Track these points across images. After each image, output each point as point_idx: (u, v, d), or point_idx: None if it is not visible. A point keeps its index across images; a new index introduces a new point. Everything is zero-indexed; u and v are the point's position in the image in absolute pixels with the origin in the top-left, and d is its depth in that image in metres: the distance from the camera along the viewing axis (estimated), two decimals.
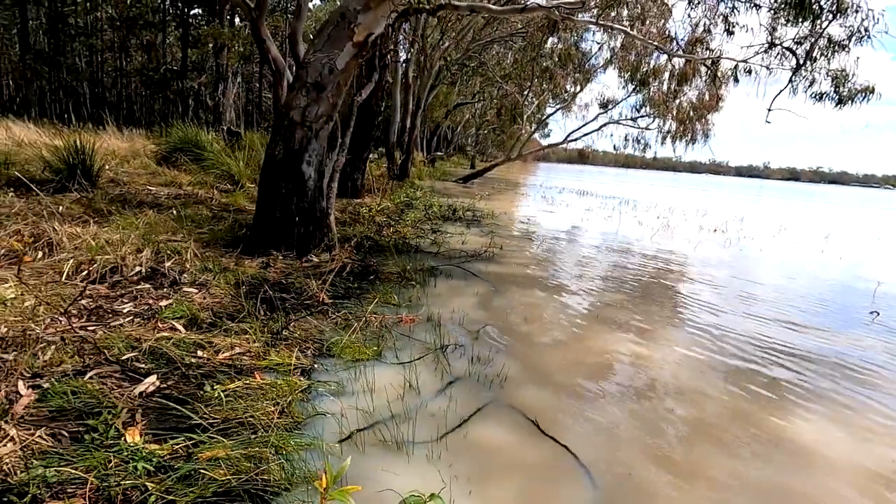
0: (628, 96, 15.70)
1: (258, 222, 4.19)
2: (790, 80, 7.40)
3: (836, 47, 7.41)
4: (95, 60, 24.70)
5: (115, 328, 2.38)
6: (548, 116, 19.61)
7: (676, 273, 5.74)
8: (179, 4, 19.78)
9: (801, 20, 6.90)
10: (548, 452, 1.92)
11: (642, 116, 15.55)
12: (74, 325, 2.29)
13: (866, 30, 7.27)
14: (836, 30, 7.33)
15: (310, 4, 25.94)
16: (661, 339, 3.37)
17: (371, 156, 21.19)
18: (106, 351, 2.08)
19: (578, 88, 17.66)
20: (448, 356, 2.69)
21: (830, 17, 6.68)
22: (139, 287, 2.96)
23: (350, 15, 3.85)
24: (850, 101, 7.57)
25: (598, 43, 16.44)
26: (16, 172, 6.10)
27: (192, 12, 20.50)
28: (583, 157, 20.11)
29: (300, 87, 3.93)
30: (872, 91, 7.46)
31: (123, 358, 2.07)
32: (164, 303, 2.74)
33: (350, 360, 2.50)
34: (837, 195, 52.95)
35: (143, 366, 2.07)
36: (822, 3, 6.30)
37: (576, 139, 16.62)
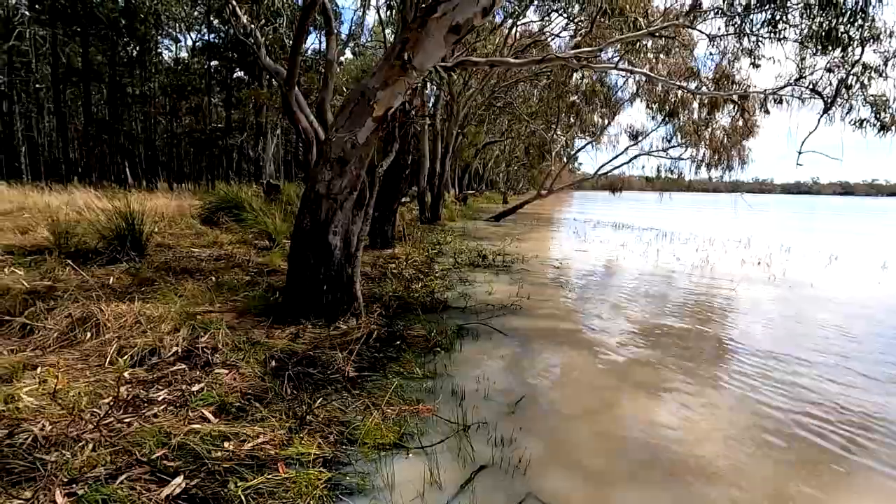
0: (658, 127, 15.54)
1: (289, 291, 4.34)
2: (819, 120, 7.18)
3: (873, 73, 7.17)
4: (149, 125, 26.80)
5: (148, 419, 2.50)
6: (577, 151, 19.63)
7: (718, 317, 5.49)
8: (222, 70, 21.41)
9: (830, 49, 6.74)
10: None
11: (673, 147, 15.30)
12: (113, 417, 2.42)
13: None
14: (870, 56, 7.13)
15: (342, 58, 27.44)
16: (700, 404, 3.21)
17: (403, 199, 21.66)
18: (137, 450, 2.17)
19: (606, 122, 17.67)
20: (471, 437, 2.65)
21: (862, 45, 6.50)
22: (174, 369, 3.10)
23: (369, 93, 4.04)
24: (893, 127, 7.24)
25: (624, 76, 16.52)
26: (74, 246, 6.62)
27: (234, 76, 22.19)
28: (613, 189, 19.87)
29: (324, 162, 4.12)
30: None
31: (154, 457, 2.16)
32: (195, 387, 2.85)
33: (372, 445, 2.50)
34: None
35: (171, 464, 2.14)
36: (850, 33, 6.15)
37: (606, 173, 16.49)
